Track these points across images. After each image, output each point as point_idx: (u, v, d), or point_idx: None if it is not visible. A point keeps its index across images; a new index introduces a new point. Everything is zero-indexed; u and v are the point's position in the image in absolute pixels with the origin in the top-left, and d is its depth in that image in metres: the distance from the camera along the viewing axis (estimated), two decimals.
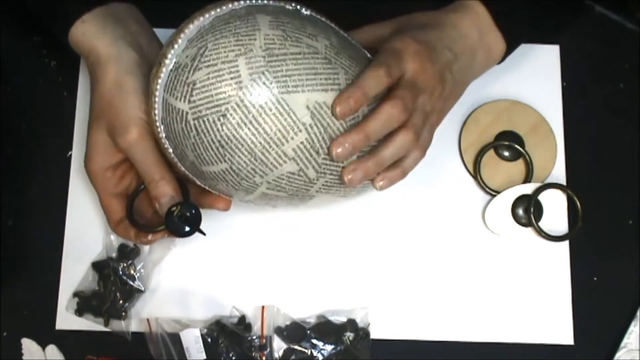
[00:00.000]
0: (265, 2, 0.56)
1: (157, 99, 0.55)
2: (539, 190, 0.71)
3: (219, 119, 0.53)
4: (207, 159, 0.55)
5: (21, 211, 0.72)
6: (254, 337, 0.68)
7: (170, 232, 0.60)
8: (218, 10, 0.55)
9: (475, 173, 0.72)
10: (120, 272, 0.69)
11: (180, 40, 0.54)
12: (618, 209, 0.73)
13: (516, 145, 0.72)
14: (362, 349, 0.68)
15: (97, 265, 0.70)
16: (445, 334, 0.70)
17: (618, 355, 0.69)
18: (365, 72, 0.56)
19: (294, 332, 0.68)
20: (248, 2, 0.56)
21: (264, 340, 0.68)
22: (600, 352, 0.70)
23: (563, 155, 0.74)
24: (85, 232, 0.71)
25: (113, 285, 0.69)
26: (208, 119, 0.53)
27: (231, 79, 0.53)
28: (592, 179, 0.73)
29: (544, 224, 0.71)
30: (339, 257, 0.71)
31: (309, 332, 0.68)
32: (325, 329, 0.69)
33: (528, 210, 0.71)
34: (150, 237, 0.64)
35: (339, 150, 0.55)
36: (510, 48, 0.66)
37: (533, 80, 0.75)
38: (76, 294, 0.70)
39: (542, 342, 0.70)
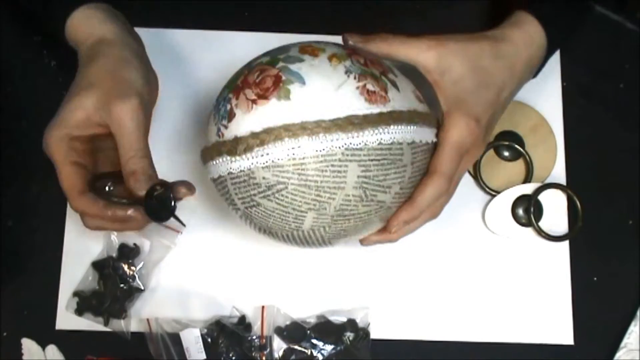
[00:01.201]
0: (363, 141, 0.53)
1: (220, 163, 0.55)
2: (539, 190, 0.71)
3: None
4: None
5: (21, 211, 0.72)
6: (254, 337, 0.68)
7: (148, 213, 0.56)
8: (313, 140, 0.52)
9: (475, 173, 0.72)
10: (120, 272, 0.69)
11: (267, 150, 0.53)
12: (618, 209, 0.73)
13: (516, 145, 0.72)
14: (362, 349, 0.68)
15: (97, 265, 0.70)
16: (445, 334, 0.70)
17: (618, 355, 0.69)
18: (427, 190, 0.57)
19: (294, 332, 0.68)
20: (347, 140, 0.52)
21: (264, 340, 0.68)
22: (600, 352, 0.70)
23: (563, 155, 0.74)
24: (85, 232, 0.71)
25: (113, 284, 0.69)
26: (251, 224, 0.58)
27: (293, 222, 0.55)
28: (592, 179, 0.73)
29: (544, 224, 0.71)
30: (339, 257, 0.71)
31: (309, 332, 0.68)
32: (325, 329, 0.69)
33: (528, 210, 0.71)
34: (130, 212, 0.57)
35: (394, 230, 0.58)
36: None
37: (533, 81, 0.75)
38: (76, 294, 0.70)
39: (542, 342, 0.70)
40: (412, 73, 0.60)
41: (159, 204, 0.56)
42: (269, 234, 0.58)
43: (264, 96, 0.53)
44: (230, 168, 0.54)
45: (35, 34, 0.76)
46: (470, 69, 0.59)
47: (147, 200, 0.55)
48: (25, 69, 0.75)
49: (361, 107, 0.53)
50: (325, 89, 0.53)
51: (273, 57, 0.55)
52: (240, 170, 0.54)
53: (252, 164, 0.53)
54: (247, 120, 0.53)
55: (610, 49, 0.77)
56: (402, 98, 0.56)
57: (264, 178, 0.53)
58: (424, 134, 0.57)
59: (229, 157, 0.54)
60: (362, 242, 0.61)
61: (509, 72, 0.61)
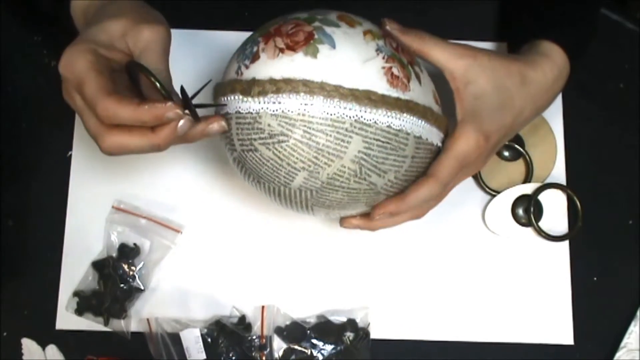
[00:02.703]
0: (374, 118, 0.53)
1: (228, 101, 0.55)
2: (539, 190, 0.71)
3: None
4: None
5: (21, 211, 0.72)
6: (254, 337, 0.68)
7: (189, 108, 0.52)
8: (327, 102, 0.53)
9: (475, 173, 0.72)
10: (120, 272, 0.70)
11: (280, 100, 0.53)
12: (618, 209, 0.73)
13: (516, 145, 0.72)
14: (362, 349, 0.68)
15: (97, 265, 0.70)
16: (445, 334, 0.70)
17: (618, 355, 0.69)
18: (421, 190, 0.57)
19: (294, 332, 0.68)
20: (359, 112, 0.53)
21: (264, 340, 0.68)
22: (600, 352, 0.70)
23: (563, 155, 0.74)
24: (85, 232, 0.71)
25: (113, 284, 0.69)
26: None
27: (284, 177, 0.55)
28: (592, 179, 0.73)
29: (544, 224, 0.71)
30: (339, 257, 0.71)
31: (309, 332, 0.68)
32: (325, 329, 0.69)
33: (528, 210, 0.71)
34: (169, 103, 0.51)
35: (377, 217, 0.58)
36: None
37: None
38: (76, 294, 0.70)
39: (542, 342, 0.70)
40: (436, 75, 0.60)
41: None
42: (257, 183, 0.58)
43: (292, 48, 0.53)
44: (239, 107, 0.54)
45: (36, 34, 0.76)
46: (495, 87, 0.59)
47: (187, 99, 0.53)
48: (25, 69, 0.76)
49: (382, 86, 0.54)
50: (352, 58, 0.53)
51: (311, 15, 0.56)
52: (248, 112, 0.54)
53: (262, 108, 0.53)
54: (270, 65, 0.54)
55: (610, 49, 0.76)
56: (421, 92, 0.56)
57: (269, 125, 0.53)
58: (432, 134, 0.57)
59: (241, 96, 0.54)
60: (342, 223, 0.61)
61: (531, 100, 0.62)
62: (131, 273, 0.70)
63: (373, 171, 0.55)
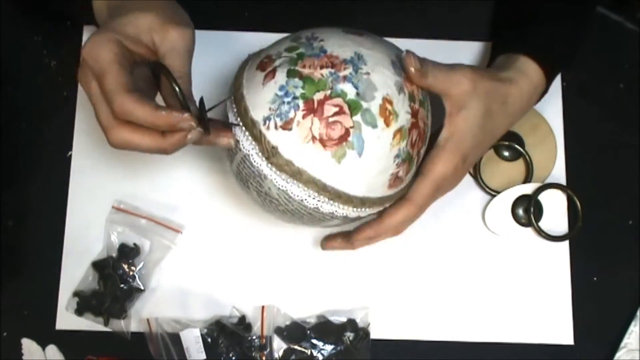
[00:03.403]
0: (354, 214, 0.58)
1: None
2: (539, 190, 0.71)
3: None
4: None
5: (21, 211, 0.72)
6: (254, 337, 0.68)
7: (202, 121, 0.53)
8: (326, 203, 0.56)
9: (475, 173, 0.72)
10: (120, 272, 0.69)
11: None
12: (618, 209, 0.73)
13: (516, 145, 0.72)
14: (362, 349, 0.68)
15: (97, 265, 0.70)
16: (445, 334, 0.70)
17: (618, 355, 0.69)
18: (398, 214, 0.59)
19: (294, 332, 0.68)
20: (347, 212, 0.57)
21: (264, 340, 0.68)
22: (600, 352, 0.70)
23: (563, 155, 0.74)
24: (85, 232, 0.71)
25: (113, 284, 0.69)
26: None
27: (267, 206, 0.59)
28: (592, 179, 0.73)
29: (544, 224, 0.71)
30: (339, 257, 0.71)
31: (309, 332, 0.68)
32: (325, 329, 0.69)
33: (528, 210, 0.71)
34: (186, 115, 0.51)
35: (357, 244, 0.62)
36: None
37: None
38: (76, 294, 0.70)
39: (542, 342, 0.70)
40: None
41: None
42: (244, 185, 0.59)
43: (324, 143, 0.54)
44: (251, 155, 0.55)
45: (36, 34, 0.76)
46: (483, 113, 0.59)
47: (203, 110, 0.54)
48: (25, 69, 0.75)
49: (380, 192, 0.57)
50: (369, 168, 0.55)
51: (359, 94, 0.54)
52: (257, 167, 0.55)
53: (271, 175, 0.55)
54: (296, 147, 0.54)
55: (610, 49, 0.76)
56: (411, 176, 0.60)
57: (269, 188, 0.56)
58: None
59: (257, 151, 0.55)
60: (323, 246, 0.64)
61: (509, 119, 0.63)
62: (131, 273, 0.70)
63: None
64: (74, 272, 0.70)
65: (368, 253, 0.71)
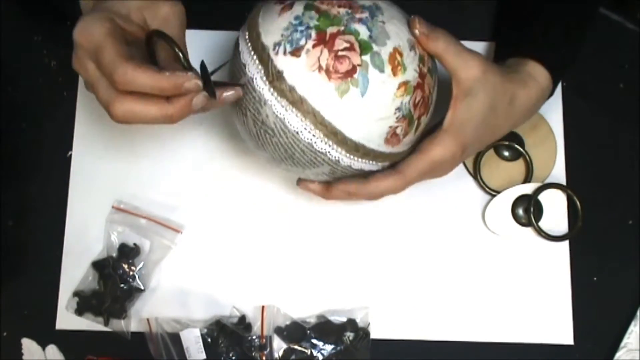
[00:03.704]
0: (349, 163, 0.57)
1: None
2: (539, 190, 0.71)
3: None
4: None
5: (21, 211, 0.72)
6: (254, 337, 0.68)
7: (206, 81, 0.52)
8: (320, 140, 0.55)
9: (475, 173, 0.72)
10: (120, 272, 0.69)
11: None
12: (618, 209, 0.73)
13: (516, 145, 0.72)
14: (362, 349, 0.68)
15: (97, 265, 0.70)
16: (445, 334, 0.70)
17: (618, 355, 0.69)
18: (385, 181, 0.59)
19: (294, 332, 0.68)
20: (341, 157, 0.57)
21: (264, 340, 0.68)
22: (600, 352, 0.70)
23: (563, 155, 0.74)
24: (85, 232, 0.71)
25: (113, 284, 0.69)
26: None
27: (263, 136, 0.57)
28: (592, 179, 0.73)
29: (544, 224, 0.71)
30: (339, 257, 0.71)
31: (309, 332, 0.68)
32: (325, 329, 0.69)
33: (528, 210, 0.71)
34: (190, 73, 0.51)
35: (335, 193, 0.60)
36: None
37: None
38: (76, 294, 0.70)
39: (542, 342, 0.70)
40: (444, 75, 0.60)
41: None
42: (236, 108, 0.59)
43: (329, 74, 0.54)
44: (255, 78, 0.55)
45: (36, 34, 0.76)
46: (488, 106, 0.59)
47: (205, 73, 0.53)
48: (25, 69, 0.75)
49: (376, 143, 0.56)
50: (369, 113, 0.55)
51: (372, 37, 0.54)
52: (259, 91, 0.55)
53: (271, 101, 0.55)
54: (302, 75, 0.54)
55: (610, 49, 0.76)
56: (409, 141, 0.59)
57: (267, 115, 0.55)
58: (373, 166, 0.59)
59: (262, 74, 0.55)
60: (299, 183, 0.62)
61: (513, 120, 0.62)
62: (131, 273, 0.70)
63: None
64: (74, 272, 0.70)
65: (368, 253, 0.71)
